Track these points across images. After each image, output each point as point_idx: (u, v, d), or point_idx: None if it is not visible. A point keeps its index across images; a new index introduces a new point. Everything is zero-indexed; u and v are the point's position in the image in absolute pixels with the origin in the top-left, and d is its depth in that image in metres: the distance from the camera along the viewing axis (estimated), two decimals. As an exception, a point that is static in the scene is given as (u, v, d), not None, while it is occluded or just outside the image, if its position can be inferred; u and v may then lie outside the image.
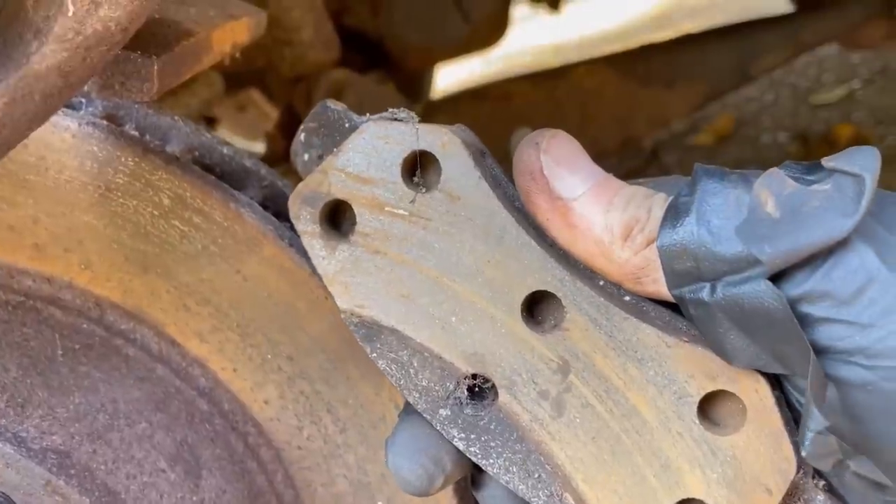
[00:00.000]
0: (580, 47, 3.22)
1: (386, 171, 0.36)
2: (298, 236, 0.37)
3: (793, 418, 0.35)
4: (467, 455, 0.38)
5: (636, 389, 0.36)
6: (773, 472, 0.36)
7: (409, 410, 0.38)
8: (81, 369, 0.44)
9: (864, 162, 0.30)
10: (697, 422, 0.36)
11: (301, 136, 0.38)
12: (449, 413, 0.37)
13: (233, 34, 0.48)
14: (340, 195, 0.36)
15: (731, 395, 0.35)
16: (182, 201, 0.43)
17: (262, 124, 2.02)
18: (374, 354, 0.37)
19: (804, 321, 0.31)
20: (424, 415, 0.37)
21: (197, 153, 0.45)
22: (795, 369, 0.32)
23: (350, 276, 0.37)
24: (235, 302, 0.45)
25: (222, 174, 0.46)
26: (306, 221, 0.36)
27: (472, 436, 0.37)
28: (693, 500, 0.37)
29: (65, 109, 0.43)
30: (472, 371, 0.37)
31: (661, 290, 0.34)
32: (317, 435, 0.48)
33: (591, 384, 0.37)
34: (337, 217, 0.37)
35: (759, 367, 0.33)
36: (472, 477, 0.40)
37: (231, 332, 0.46)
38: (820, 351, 0.31)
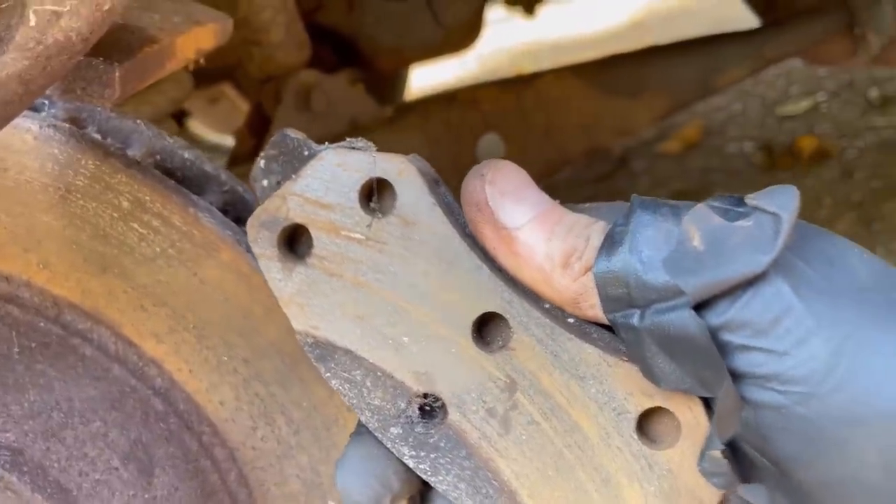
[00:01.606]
0: (555, 52, 3.24)
1: (343, 196, 0.37)
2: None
3: None
4: (417, 472, 0.39)
5: (579, 407, 0.38)
6: (706, 486, 0.37)
7: (360, 431, 0.40)
8: (37, 367, 0.45)
9: (783, 201, 0.32)
10: (636, 437, 0.38)
11: (261, 162, 0.39)
12: (400, 431, 0.39)
13: (197, 40, 0.49)
14: (298, 219, 0.37)
15: (668, 412, 0.37)
16: (141, 205, 0.44)
17: (233, 117, 2.01)
18: (328, 374, 0.39)
19: (725, 348, 0.33)
20: (376, 433, 0.39)
21: (158, 157, 0.46)
22: (716, 393, 0.34)
23: (306, 298, 0.38)
24: (192, 304, 0.46)
25: (183, 178, 0.46)
26: (264, 244, 0.38)
27: (423, 453, 0.39)
28: None
29: (27, 112, 0.43)
30: (423, 390, 0.38)
31: (599, 314, 0.35)
32: (271, 436, 0.49)
33: (537, 402, 0.38)
34: (294, 241, 0.38)
35: (683, 389, 0.35)
36: (420, 494, 0.41)
37: (187, 333, 0.47)
38: (739, 376, 0.33)
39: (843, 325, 0.32)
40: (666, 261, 0.33)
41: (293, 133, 0.39)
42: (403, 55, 1.45)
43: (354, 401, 0.39)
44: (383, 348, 0.38)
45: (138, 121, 0.47)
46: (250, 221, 0.38)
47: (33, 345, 0.45)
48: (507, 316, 0.37)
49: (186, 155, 0.46)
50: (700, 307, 0.33)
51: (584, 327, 0.38)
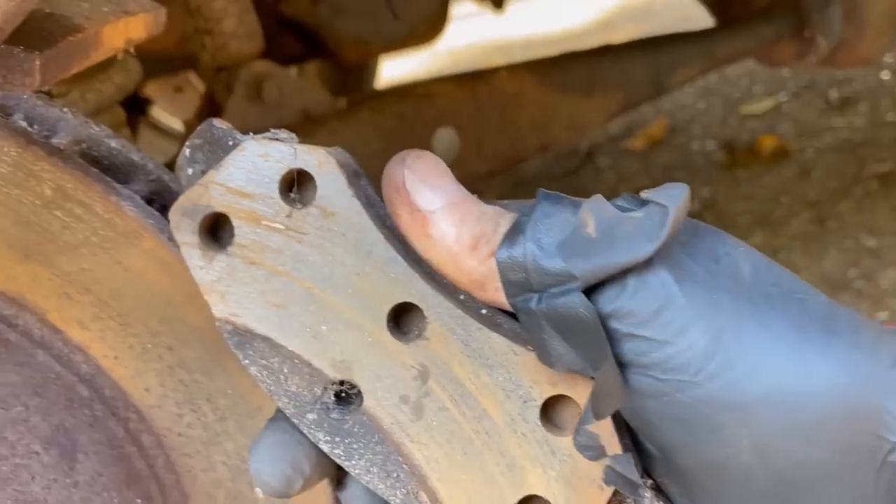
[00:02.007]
0: (526, 49, 3.25)
1: (264, 186, 0.38)
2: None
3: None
4: (331, 457, 0.40)
5: (487, 394, 0.39)
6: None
7: (275, 418, 0.41)
8: (-43, 353, 0.45)
9: (672, 195, 0.34)
10: (540, 424, 0.39)
11: (186, 151, 0.40)
12: (316, 417, 0.40)
13: (126, 30, 0.49)
14: (220, 208, 0.38)
15: (570, 399, 0.39)
16: (64, 192, 0.44)
17: (198, 105, 2.00)
18: (247, 361, 0.39)
19: (613, 336, 0.34)
20: (293, 419, 0.40)
21: (84, 145, 0.46)
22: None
23: (226, 286, 0.39)
24: (116, 292, 0.47)
25: (109, 167, 0.47)
26: (185, 232, 0.38)
27: (337, 438, 0.40)
28: (535, 496, 0.40)
29: (-52, 98, 0.43)
30: (339, 377, 0.39)
31: (501, 298, 0.37)
32: (196, 423, 0.50)
33: (448, 389, 0.39)
34: (216, 229, 0.39)
35: (576, 370, 0.36)
36: (337, 478, 0.42)
37: (112, 320, 0.47)
38: (624, 364, 0.35)
39: (721, 317, 0.34)
40: (559, 245, 0.35)
41: (219, 123, 0.40)
42: (368, 48, 1.45)
43: (272, 387, 0.40)
44: (301, 336, 0.39)
45: (65, 109, 0.47)
46: (173, 209, 0.39)
47: (-45, 330, 0.46)
48: (421, 306, 0.38)
49: (113, 143, 0.47)
50: (592, 293, 0.34)
51: (496, 318, 0.39)
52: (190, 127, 1.04)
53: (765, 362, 0.33)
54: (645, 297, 0.34)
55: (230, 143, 0.39)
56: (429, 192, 0.38)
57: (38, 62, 0.41)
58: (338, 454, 0.40)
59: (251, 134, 0.39)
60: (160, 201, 0.48)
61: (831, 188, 2.02)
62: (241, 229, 0.38)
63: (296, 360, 0.39)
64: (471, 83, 1.13)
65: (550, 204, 0.36)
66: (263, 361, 0.40)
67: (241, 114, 0.94)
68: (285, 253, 0.39)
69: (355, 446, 0.40)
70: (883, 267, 1.73)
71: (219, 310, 0.39)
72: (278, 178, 0.38)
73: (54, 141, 0.46)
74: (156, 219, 0.45)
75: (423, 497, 0.40)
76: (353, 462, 0.40)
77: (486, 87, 1.12)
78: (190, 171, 0.40)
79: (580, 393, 0.38)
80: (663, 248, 0.33)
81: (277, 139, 0.39)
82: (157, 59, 1.54)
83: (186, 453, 0.51)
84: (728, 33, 1.22)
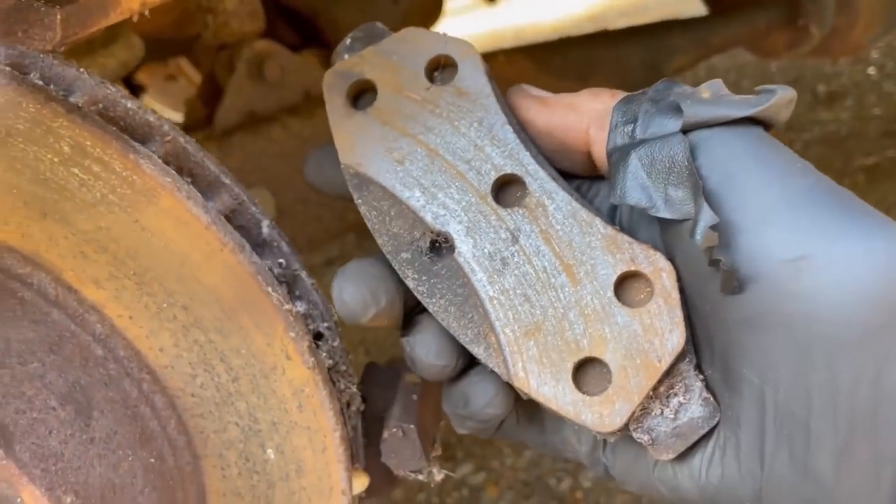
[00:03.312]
0: (517, 40, 3.26)
1: (413, 64, 0.46)
2: (195, 193, 0.44)
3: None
4: (415, 293, 0.45)
5: (569, 260, 0.43)
6: (663, 346, 0.42)
7: (363, 256, 0.47)
8: (-26, 308, 0.45)
9: (783, 87, 0.42)
10: (612, 296, 0.43)
11: (347, 41, 0.48)
12: (409, 256, 0.45)
13: (143, -8, 0.49)
14: (369, 75, 0.46)
15: (644, 277, 0.42)
16: (82, 149, 0.44)
17: (189, 95, 1.99)
18: (360, 201, 0.46)
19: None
20: (388, 255, 0.45)
21: (101, 105, 0.46)
22: (677, 209, 0.40)
23: (358, 139, 0.46)
24: (132, 251, 0.47)
25: (126, 128, 0.47)
26: (336, 91, 0.46)
27: (424, 277, 0.45)
28: (595, 359, 0.43)
29: (-33, 54, 0.43)
30: (438, 228, 0.45)
31: (603, 137, 0.44)
32: (210, 383, 0.51)
33: (533, 252, 0.44)
34: (360, 97, 0.47)
35: (647, 207, 0.41)
36: (403, 325, 0.47)
37: (128, 280, 0.48)
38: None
39: (797, 179, 0.39)
40: (675, 95, 0.42)
41: (380, 24, 0.49)
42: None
43: (376, 225, 0.46)
44: (412, 189, 0.45)
45: (81, 69, 0.47)
46: (329, 71, 0.47)
47: (-29, 287, 0.46)
48: (525, 179, 0.44)
49: (129, 104, 0.47)
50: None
51: (585, 203, 0.45)
52: (192, 107, 1.03)
53: (832, 232, 0.37)
54: (719, 144, 0.40)
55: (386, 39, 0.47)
56: (542, 92, 0.48)
57: (59, 16, 0.41)
58: (421, 291, 0.45)
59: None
60: (175, 163, 0.48)
61: (819, 181, 2.04)
62: (384, 95, 0.46)
63: (403, 207, 0.45)
64: (469, 67, 1.14)
65: (671, 82, 0.43)
66: (375, 203, 0.46)
67: (242, 92, 0.94)
68: (416, 119, 0.45)
69: (439, 286, 0.45)
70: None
71: (346, 157, 0.46)
72: (426, 60, 0.46)
73: (72, 100, 0.46)
74: (173, 177, 0.46)
75: (492, 339, 0.44)
76: (434, 300, 0.45)
77: (484, 71, 1.13)
78: (346, 55, 0.48)
79: (655, 272, 0.42)
80: (758, 115, 0.40)
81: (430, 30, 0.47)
82: (151, 41, 1.53)
83: (199, 414, 0.51)
84: (722, 21, 1.24)
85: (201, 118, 1.00)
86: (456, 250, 0.44)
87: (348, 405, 0.54)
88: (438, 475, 0.53)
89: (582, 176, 0.48)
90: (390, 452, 0.52)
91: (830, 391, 0.37)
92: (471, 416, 0.47)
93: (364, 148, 0.45)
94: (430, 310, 0.45)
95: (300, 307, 0.49)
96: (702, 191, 0.39)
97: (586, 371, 0.43)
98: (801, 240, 0.37)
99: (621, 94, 0.45)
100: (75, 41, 0.45)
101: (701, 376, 0.42)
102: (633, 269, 0.42)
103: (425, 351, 0.45)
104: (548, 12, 3.70)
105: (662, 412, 0.42)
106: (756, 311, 0.38)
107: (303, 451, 0.52)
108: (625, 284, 0.43)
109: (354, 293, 0.44)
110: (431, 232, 0.45)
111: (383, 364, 0.60)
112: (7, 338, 0.45)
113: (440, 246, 0.45)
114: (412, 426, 0.51)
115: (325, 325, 0.51)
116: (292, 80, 0.97)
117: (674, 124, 0.41)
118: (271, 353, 0.49)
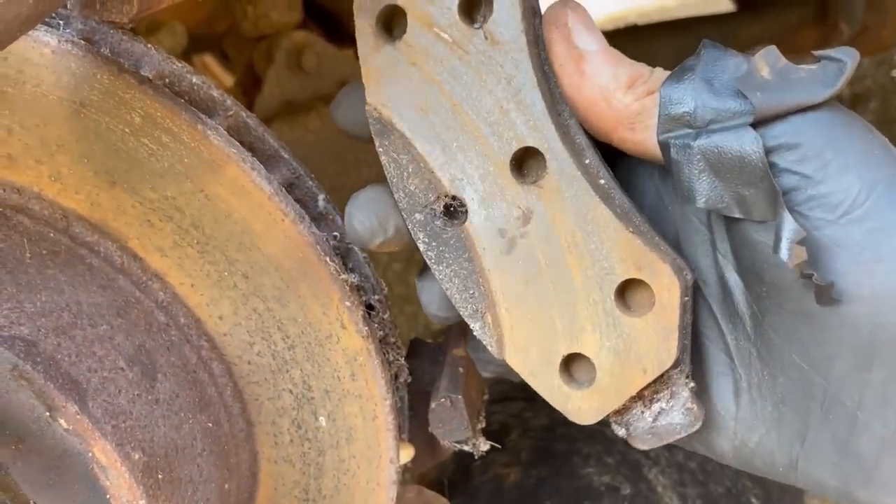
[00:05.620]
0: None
1: None
2: (258, 165, 0.44)
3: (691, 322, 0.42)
4: (424, 256, 0.45)
5: (575, 254, 0.42)
6: (653, 358, 0.42)
7: (378, 183, 0.45)
8: (48, 272, 0.47)
9: (849, 52, 0.37)
10: (612, 298, 0.42)
11: None
12: (422, 219, 0.44)
13: (207, -27, 0.51)
14: (401, 2, 0.42)
15: (648, 287, 0.41)
16: (152, 120, 0.46)
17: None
18: (381, 149, 0.44)
19: (770, 169, 0.37)
20: (402, 213, 0.45)
21: (167, 80, 0.48)
22: (751, 211, 0.37)
23: (384, 76, 0.43)
24: (196, 220, 0.49)
25: (191, 101, 0.49)
26: (365, 15, 0.43)
27: (434, 243, 0.44)
28: (583, 356, 0.43)
29: (45, 27, 0.45)
30: (453, 193, 0.43)
31: (650, 137, 0.39)
32: (266, 351, 0.52)
33: (542, 237, 0.43)
34: (391, 25, 0.43)
35: (719, 208, 0.38)
36: (421, 267, 0.47)
37: (191, 248, 0.49)
38: None
39: (877, 171, 0.36)
40: (736, 81, 0.37)
41: None
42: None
43: (394, 179, 0.44)
44: (433, 144, 0.43)
45: (148, 45, 0.49)
46: None
47: (44, 252, 0.48)
48: (546, 156, 0.41)
49: (195, 80, 0.49)
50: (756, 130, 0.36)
51: (611, 192, 0.42)
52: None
53: None
54: (812, 134, 0.36)
55: None
56: (588, 34, 0.41)
57: (136, -9, 0.43)
58: (430, 255, 0.44)
59: None
60: (237, 137, 0.50)
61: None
62: (414, 29, 0.42)
63: (421, 164, 0.43)
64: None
65: (718, 51, 0.38)
66: (394, 154, 0.44)
67: (280, 81, 0.96)
68: (444, 64, 0.42)
69: (447, 255, 0.44)
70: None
71: (371, 95, 0.43)
72: None
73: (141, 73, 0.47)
74: (238, 148, 0.47)
75: (489, 318, 0.44)
76: (441, 267, 0.44)
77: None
78: None
79: (660, 285, 0.41)
80: (835, 97, 0.36)
81: None
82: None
83: (254, 381, 0.53)
84: (752, 17, 1.25)
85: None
86: (468, 219, 0.43)
87: (396, 377, 0.55)
88: (484, 446, 0.54)
89: None
90: (438, 422, 0.53)
91: (885, 390, 0.37)
92: (490, 360, 0.48)
93: (390, 88, 0.43)
94: (437, 276, 0.45)
95: (353, 279, 0.51)
96: (781, 197, 0.36)
97: (575, 364, 0.44)
98: (878, 241, 0.35)
99: (658, 83, 0.39)
100: (149, 14, 0.47)
101: (691, 385, 0.43)
102: (638, 276, 0.41)
103: (430, 300, 0.46)
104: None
105: (643, 413, 0.43)
106: (819, 308, 0.37)
107: (354, 418, 0.53)
108: (629, 289, 0.42)
109: (364, 221, 0.44)
110: (447, 195, 0.43)
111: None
112: (78, 301, 0.46)
113: (455, 210, 0.44)
114: (459, 396, 0.53)
115: (376, 297, 0.52)
116: (329, 69, 0.99)
117: (737, 108, 0.36)
118: (327, 322, 0.51)
